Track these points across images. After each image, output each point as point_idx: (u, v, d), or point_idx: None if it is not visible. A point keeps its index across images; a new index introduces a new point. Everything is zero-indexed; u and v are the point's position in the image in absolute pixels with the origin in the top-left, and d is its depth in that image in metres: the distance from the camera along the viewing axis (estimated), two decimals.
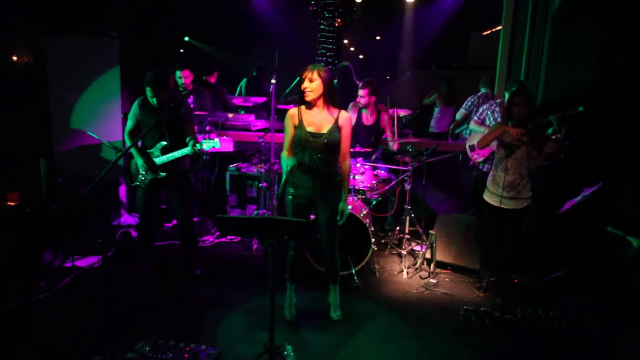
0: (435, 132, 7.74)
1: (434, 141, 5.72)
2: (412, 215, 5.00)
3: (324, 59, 6.71)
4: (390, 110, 5.42)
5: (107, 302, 3.45)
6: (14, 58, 5.32)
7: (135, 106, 4.18)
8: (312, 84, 3.33)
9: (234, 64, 9.32)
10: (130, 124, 4.22)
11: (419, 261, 4.79)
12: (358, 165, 4.91)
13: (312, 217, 3.65)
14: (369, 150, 5.17)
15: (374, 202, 5.26)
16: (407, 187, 4.94)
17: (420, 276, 4.65)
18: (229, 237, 5.50)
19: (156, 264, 4.60)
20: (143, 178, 4.20)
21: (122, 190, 5.91)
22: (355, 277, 4.41)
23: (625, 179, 4.71)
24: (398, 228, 5.24)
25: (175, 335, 3.19)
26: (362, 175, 4.93)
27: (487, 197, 4.17)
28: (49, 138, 5.22)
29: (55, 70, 5.19)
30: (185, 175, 4.41)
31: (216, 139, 4.10)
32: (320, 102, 3.39)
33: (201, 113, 5.34)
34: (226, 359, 3.16)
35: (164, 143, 4.14)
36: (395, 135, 5.20)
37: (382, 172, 5.14)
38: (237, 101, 6.58)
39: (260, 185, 5.44)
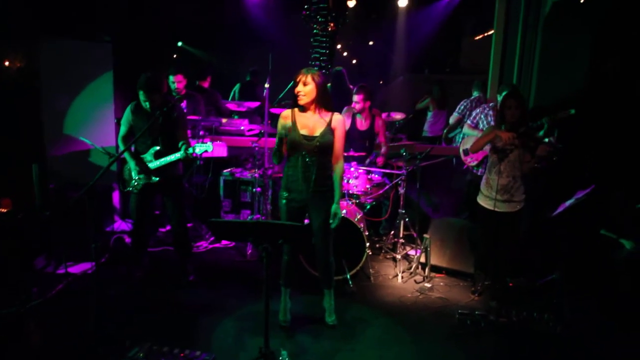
0: (428, 137, 7.77)
1: (427, 145, 5.74)
2: (407, 219, 5.00)
3: (317, 63, 6.71)
4: (383, 115, 5.44)
5: (101, 309, 3.41)
6: (6, 63, 5.30)
7: (127, 112, 4.16)
8: (306, 88, 3.34)
9: (228, 69, 9.31)
10: (123, 129, 4.19)
11: (414, 265, 4.78)
12: (352, 169, 4.92)
13: (307, 221, 3.64)
14: (363, 154, 5.19)
15: (368, 207, 5.26)
16: (401, 191, 4.95)
17: (415, 280, 4.65)
18: (223, 242, 5.49)
19: (150, 270, 4.57)
20: (136, 183, 4.18)
21: (116, 196, 5.88)
22: (350, 282, 4.40)
23: (618, 181, 4.74)
24: (392, 232, 5.25)
25: (170, 341, 3.16)
26: (356, 179, 4.94)
27: (481, 201, 4.18)
28: (42, 143, 5.19)
29: (48, 75, 5.18)
30: (179, 180, 4.39)
31: (209, 143, 4.05)
32: (314, 105, 3.40)
33: (195, 118, 5.33)
34: None
35: (157, 148, 4.12)
36: (383, 149, 5.28)
37: (376, 176, 5.15)
38: (231, 106, 6.56)
39: (254, 190, 5.42)
